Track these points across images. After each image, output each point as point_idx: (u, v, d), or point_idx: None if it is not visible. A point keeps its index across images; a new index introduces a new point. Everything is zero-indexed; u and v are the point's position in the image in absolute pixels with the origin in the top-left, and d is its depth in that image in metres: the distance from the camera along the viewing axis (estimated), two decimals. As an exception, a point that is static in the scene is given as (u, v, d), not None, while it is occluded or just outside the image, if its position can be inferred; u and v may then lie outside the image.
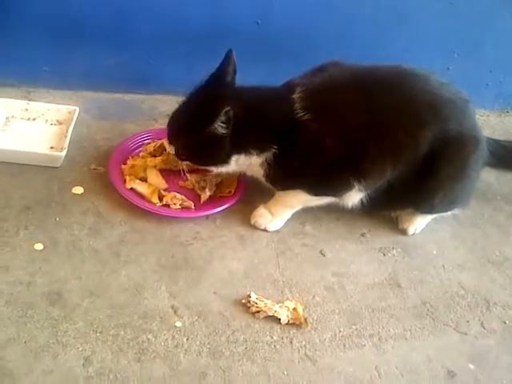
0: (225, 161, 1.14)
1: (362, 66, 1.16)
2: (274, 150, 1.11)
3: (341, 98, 1.10)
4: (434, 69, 1.20)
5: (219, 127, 1.06)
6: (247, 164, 1.15)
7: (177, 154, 1.18)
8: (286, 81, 1.16)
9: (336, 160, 1.10)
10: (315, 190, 1.17)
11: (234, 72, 1.14)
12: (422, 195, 1.18)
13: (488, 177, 1.43)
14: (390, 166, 1.12)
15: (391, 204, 1.24)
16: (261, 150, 1.12)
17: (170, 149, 1.18)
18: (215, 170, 1.18)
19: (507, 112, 1.71)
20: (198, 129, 1.08)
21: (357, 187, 1.14)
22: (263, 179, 1.18)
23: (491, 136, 1.30)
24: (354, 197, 1.18)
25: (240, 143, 1.11)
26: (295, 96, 1.10)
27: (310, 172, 1.13)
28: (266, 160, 1.13)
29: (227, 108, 1.03)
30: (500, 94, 1.68)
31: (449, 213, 1.29)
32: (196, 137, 1.10)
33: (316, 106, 1.09)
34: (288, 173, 1.14)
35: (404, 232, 1.28)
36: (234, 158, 1.13)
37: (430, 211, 1.26)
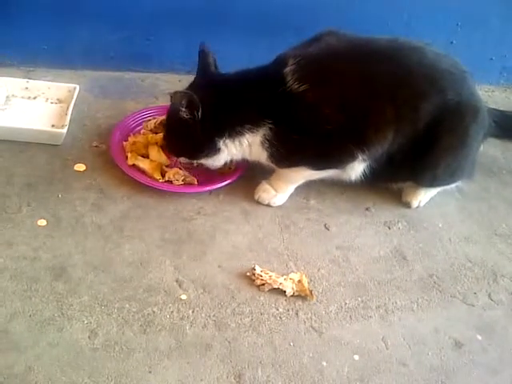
0: (212, 148, 1.13)
1: (358, 36, 1.15)
2: (269, 126, 1.10)
3: (338, 67, 1.09)
4: (437, 42, 1.19)
5: (183, 113, 1.09)
6: (245, 146, 1.14)
7: (170, 152, 1.22)
8: (279, 54, 1.13)
9: (336, 130, 1.09)
10: (318, 164, 1.16)
11: (214, 61, 1.16)
12: (423, 167, 1.17)
13: (494, 151, 1.42)
14: (391, 133, 1.11)
15: (393, 176, 1.22)
16: (253, 126, 1.11)
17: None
18: (210, 162, 1.17)
19: (513, 87, 1.69)
20: (171, 119, 1.16)
21: (360, 157, 1.13)
22: (268, 161, 1.16)
23: (496, 111, 1.28)
24: (357, 168, 1.17)
25: (220, 126, 1.11)
26: (288, 69, 1.09)
27: (312, 144, 1.11)
28: (265, 138, 1.11)
29: (183, 93, 1.09)
30: (505, 69, 1.66)
31: (453, 186, 1.28)
32: (172, 128, 1.16)
33: (312, 76, 1.08)
34: (290, 148, 1.12)
35: (408, 205, 1.27)
36: (221, 143, 1.13)
37: (432, 184, 1.24)
